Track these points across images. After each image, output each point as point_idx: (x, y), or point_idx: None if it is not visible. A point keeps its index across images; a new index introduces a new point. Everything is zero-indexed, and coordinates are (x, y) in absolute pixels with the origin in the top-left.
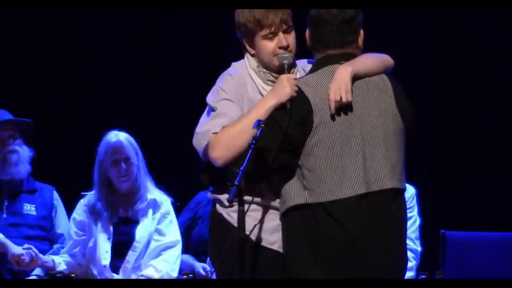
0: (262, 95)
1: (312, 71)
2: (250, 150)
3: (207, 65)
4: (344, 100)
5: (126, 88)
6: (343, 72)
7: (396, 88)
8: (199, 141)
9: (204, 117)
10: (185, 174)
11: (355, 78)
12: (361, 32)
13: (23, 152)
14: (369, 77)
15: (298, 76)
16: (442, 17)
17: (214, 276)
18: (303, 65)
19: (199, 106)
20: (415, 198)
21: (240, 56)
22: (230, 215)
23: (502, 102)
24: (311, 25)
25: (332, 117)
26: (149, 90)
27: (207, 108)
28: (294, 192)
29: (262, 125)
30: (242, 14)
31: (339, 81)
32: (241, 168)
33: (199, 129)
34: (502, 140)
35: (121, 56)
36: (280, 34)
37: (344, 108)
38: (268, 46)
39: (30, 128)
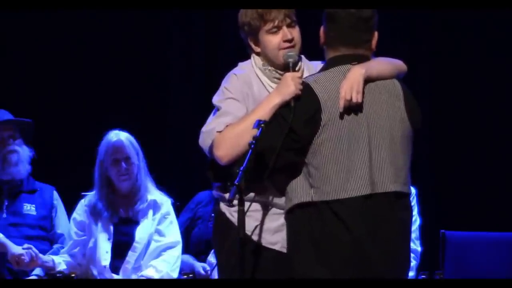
0: (269, 92)
1: (322, 69)
2: (250, 150)
3: (207, 65)
4: (354, 100)
5: (126, 88)
6: (357, 73)
7: (406, 93)
8: (204, 140)
9: (210, 117)
10: (185, 174)
11: (368, 80)
12: (375, 33)
13: (23, 152)
14: (381, 81)
15: (305, 72)
16: (442, 17)
17: (216, 272)
18: (316, 66)
19: (199, 107)
20: (415, 198)
21: (240, 57)
22: (233, 214)
23: (502, 102)
24: (328, 21)
25: (341, 116)
26: (149, 90)
27: (214, 109)
28: (300, 190)
29: (262, 125)
30: (245, 13)
31: (352, 81)
32: (241, 168)
33: (204, 128)
34: (502, 140)
35: (121, 56)
36: (284, 28)
37: (353, 108)
38: (273, 40)
39: (30, 128)
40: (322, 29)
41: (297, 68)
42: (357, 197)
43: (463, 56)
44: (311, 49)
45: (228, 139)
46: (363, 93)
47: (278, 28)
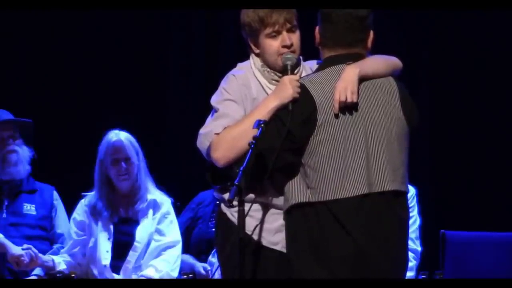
0: (267, 93)
1: (318, 69)
2: (250, 150)
3: (206, 65)
4: (349, 100)
5: (126, 88)
6: (351, 73)
7: (402, 91)
8: (202, 142)
9: (208, 118)
10: (185, 174)
11: (363, 79)
12: (371, 33)
13: (23, 152)
14: (376, 79)
15: (303, 74)
16: (442, 16)
17: (219, 273)
18: (312, 66)
19: (199, 106)
20: (415, 198)
21: (240, 57)
22: (233, 215)
23: (502, 102)
24: (324, 21)
25: (337, 116)
26: (149, 90)
27: (212, 110)
28: (297, 191)
29: (262, 125)
30: (247, 14)
31: (346, 81)
32: (241, 168)
33: (202, 130)
34: (502, 140)
35: (121, 56)
36: (284, 33)
37: (349, 108)
38: (272, 45)
39: (30, 128)
40: (317, 29)
41: (295, 72)
42: (354, 196)
43: (463, 55)
44: (310, 50)
45: (225, 141)
46: (358, 92)
47: (278, 32)
